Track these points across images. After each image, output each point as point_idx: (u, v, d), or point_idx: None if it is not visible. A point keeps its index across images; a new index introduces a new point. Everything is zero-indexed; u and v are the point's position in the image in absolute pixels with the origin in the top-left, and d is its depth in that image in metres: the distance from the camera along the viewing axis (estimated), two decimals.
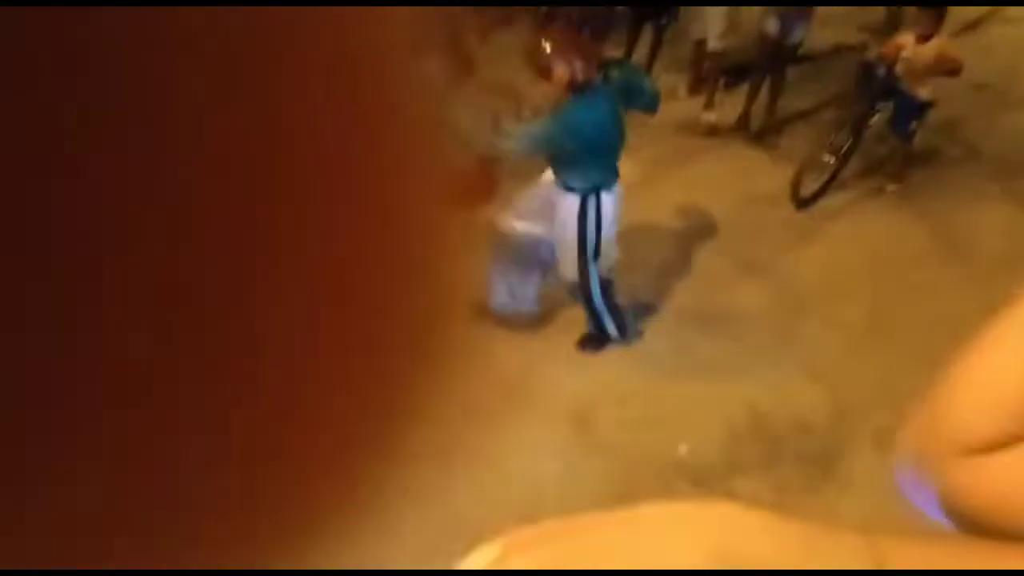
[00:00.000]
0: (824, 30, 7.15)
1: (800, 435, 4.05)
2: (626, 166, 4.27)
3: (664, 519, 0.48)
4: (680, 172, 6.03)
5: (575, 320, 4.51)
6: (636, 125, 6.34)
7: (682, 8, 6.98)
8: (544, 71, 3.61)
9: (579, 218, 3.91)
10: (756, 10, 6.48)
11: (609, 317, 4.34)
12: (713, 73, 6.81)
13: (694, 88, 7.06)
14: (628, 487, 3.73)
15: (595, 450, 3.95)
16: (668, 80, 6.95)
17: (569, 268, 4.07)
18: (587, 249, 4.02)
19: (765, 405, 4.17)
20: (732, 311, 4.85)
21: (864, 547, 0.49)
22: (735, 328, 4.70)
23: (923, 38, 5.50)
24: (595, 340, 4.46)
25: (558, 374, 4.27)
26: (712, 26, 6.62)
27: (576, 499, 3.64)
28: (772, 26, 6.25)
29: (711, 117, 6.73)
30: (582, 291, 4.17)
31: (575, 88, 3.68)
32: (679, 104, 6.83)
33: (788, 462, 3.94)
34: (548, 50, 3.60)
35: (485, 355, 0.23)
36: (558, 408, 4.08)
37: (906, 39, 5.62)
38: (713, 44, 6.68)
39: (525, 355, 4.21)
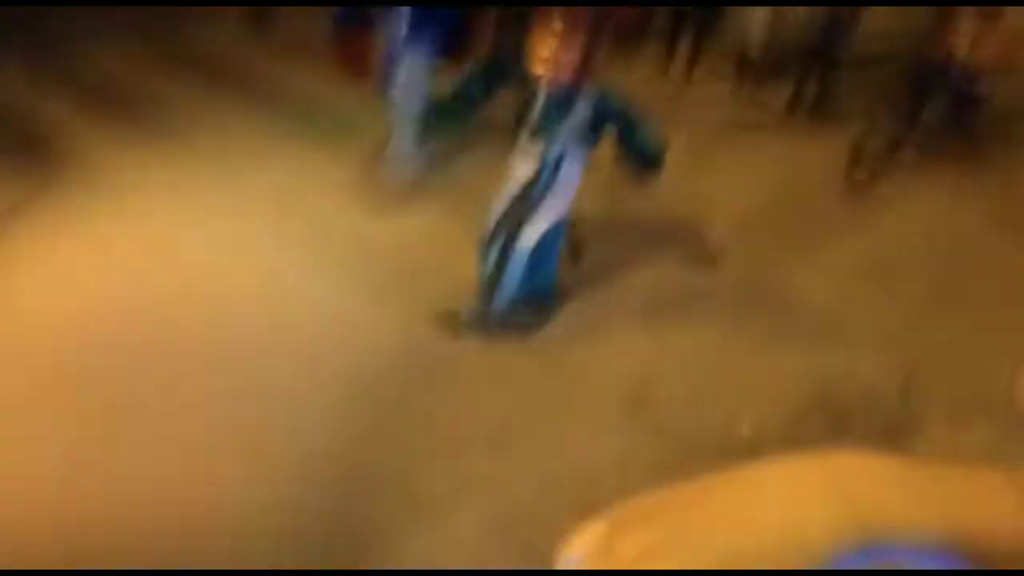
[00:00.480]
0: (878, 15, 6.96)
1: (868, 410, 3.88)
2: (680, 136, 4.10)
3: (785, 475, 0.45)
4: (731, 155, 5.92)
5: (632, 289, 4.35)
6: (686, 106, 6.28)
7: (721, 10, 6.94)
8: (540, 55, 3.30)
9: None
10: (800, 14, 6.41)
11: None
12: (755, 73, 6.79)
13: (737, 86, 6.97)
14: (689, 468, 3.55)
15: (653, 430, 3.78)
16: (714, 64, 6.96)
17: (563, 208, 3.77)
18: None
19: (830, 380, 4.01)
20: (790, 288, 4.70)
21: (1006, 481, 0.46)
22: (794, 305, 4.55)
23: (986, 18, 5.34)
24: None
25: (610, 353, 4.12)
26: (754, 34, 6.62)
27: (635, 481, 3.49)
28: (817, 18, 6.21)
29: (755, 111, 6.67)
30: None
31: (556, 87, 3.38)
32: (726, 88, 6.77)
33: (856, 438, 3.77)
34: (556, 31, 3.26)
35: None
36: (613, 388, 3.93)
37: (965, 26, 5.45)
38: (755, 51, 6.71)
39: (575, 332, 4.08)
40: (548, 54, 3.26)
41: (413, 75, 4.37)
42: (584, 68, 3.31)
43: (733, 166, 5.85)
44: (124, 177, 4.37)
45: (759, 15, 6.54)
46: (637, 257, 4.80)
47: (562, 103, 3.40)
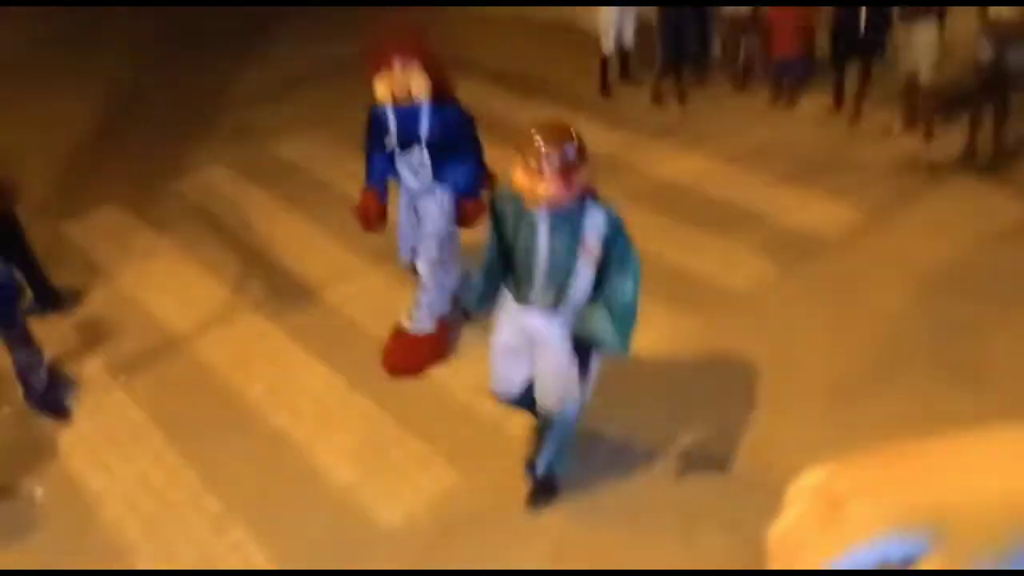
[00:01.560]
0: None
1: None
2: None
3: (1015, 443, 0.45)
4: (908, 215, 5.48)
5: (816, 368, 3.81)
6: (853, 167, 5.85)
7: (890, 40, 6.38)
8: (571, 169, 2.82)
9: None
10: (969, 38, 5.91)
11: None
12: (928, 105, 6.22)
13: (909, 123, 6.49)
14: None
15: None
16: (881, 117, 6.59)
17: (553, 398, 3.28)
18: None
19: None
20: (985, 360, 4.08)
21: None
22: (989, 379, 3.92)
23: None
24: (549, 489, 3.65)
25: (794, 436, 3.55)
26: (923, 57, 6.10)
27: None
28: (985, 51, 5.71)
29: (931, 153, 6.06)
30: (561, 424, 3.38)
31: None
32: (896, 142, 6.29)
33: None
34: (569, 139, 2.83)
35: None
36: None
37: None
38: (925, 76, 6.25)
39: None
40: (531, 188, 2.83)
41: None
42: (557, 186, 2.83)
43: (910, 224, 5.26)
44: None
45: (926, 37, 6.00)
46: (816, 336, 4.30)
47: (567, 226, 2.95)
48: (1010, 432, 0.47)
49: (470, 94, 4.59)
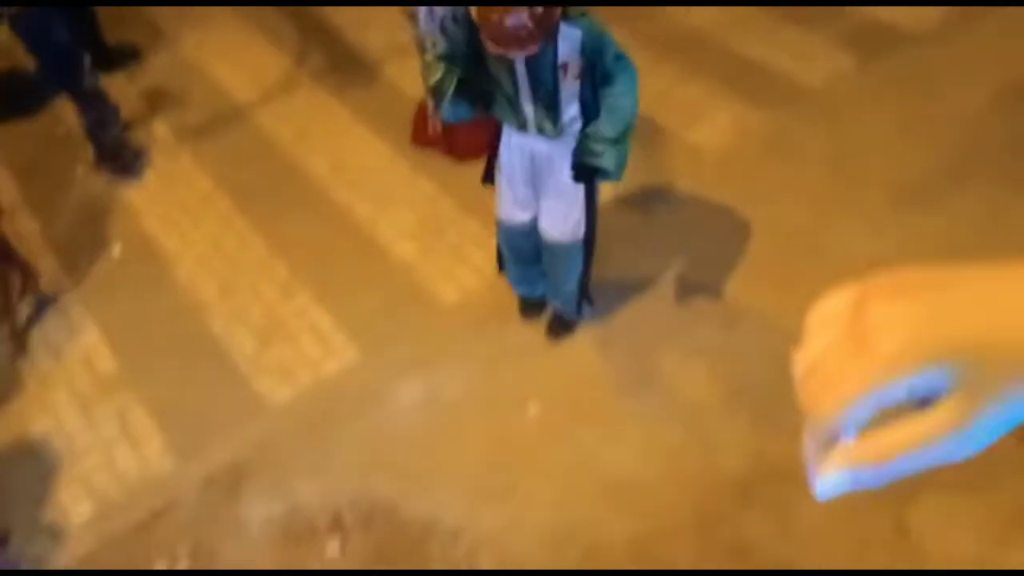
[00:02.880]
0: None
1: None
2: None
3: None
4: (1003, 13, 5.13)
5: None
6: None
7: None
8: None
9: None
10: None
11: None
12: None
13: None
14: None
15: None
16: None
17: (573, 224, 3.11)
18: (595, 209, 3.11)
19: None
20: None
21: None
22: None
23: None
24: (568, 324, 3.58)
25: None
26: None
27: None
28: None
29: None
30: (585, 263, 3.28)
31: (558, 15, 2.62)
32: None
33: None
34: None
35: None
36: None
37: None
38: None
39: None
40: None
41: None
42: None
43: (1006, 17, 4.98)
44: None
45: None
46: (886, 135, 4.11)
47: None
48: None
49: None
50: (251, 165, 4.49)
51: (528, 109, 2.83)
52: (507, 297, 3.69)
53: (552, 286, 3.43)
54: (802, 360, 0.48)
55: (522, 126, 2.90)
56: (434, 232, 4.03)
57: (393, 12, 5.38)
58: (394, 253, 3.96)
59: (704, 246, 3.85)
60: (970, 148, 4.22)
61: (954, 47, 4.81)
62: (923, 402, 0.45)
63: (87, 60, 4.24)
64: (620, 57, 2.72)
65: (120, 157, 4.44)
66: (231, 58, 5.22)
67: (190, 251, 4.08)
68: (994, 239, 3.68)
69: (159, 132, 4.74)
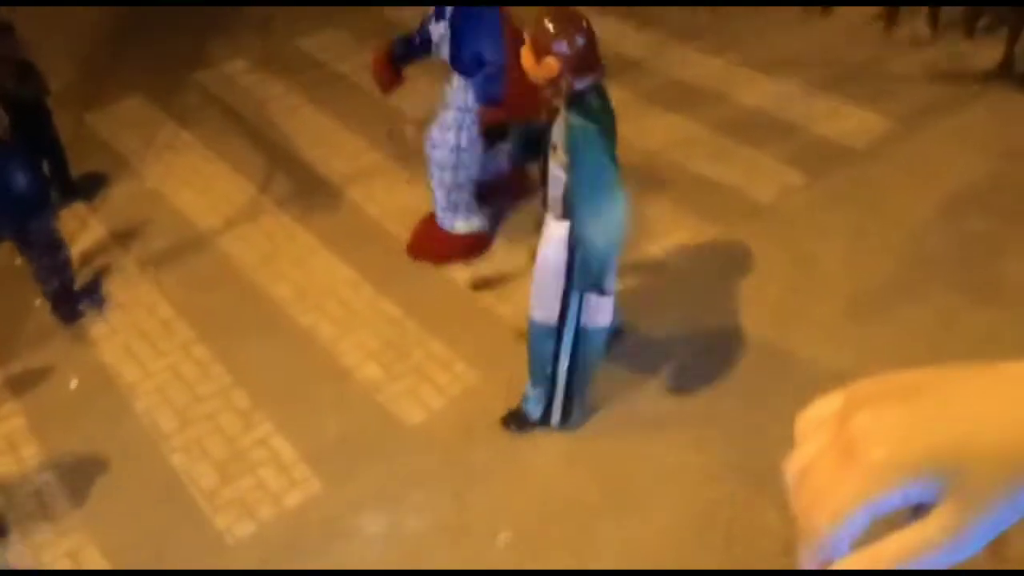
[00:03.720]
0: None
1: None
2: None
3: None
4: (940, 126, 5.35)
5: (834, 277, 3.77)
6: (887, 76, 5.66)
7: None
8: (540, 53, 2.78)
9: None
10: None
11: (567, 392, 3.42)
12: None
13: (936, 28, 6.19)
14: None
15: None
16: (911, 27, 6.30)
17: (545, 309, 3.18)
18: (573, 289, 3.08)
19: None
20: (1006, 277, 4.06)
21: None
22: (1008, 297, 3.95)
23: None
24: (521, 418, 3.57)
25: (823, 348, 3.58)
26: None
27: None
28: None
29: (967, 60, 6.01)
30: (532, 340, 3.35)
31: (569, 92, 2.80)
32: (927, 51, 6.02)
33: None
34: (551, 30, 2.77)
35: None
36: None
37: None
38: None
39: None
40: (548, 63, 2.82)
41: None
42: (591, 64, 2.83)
43: (941, 136, 5.14)
44: None
45: None
46: (838, 246, 4.32)
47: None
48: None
49: None
50: (213, 291, 4.47)
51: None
52: (473, 417, 3.65)
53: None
54: (792, 469, 0.48)
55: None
56: (399, 354, 4.01)
57: (357, 139, 5.52)
58: (358, 376, 3.92)
59: (670, 360, 3.86)
60: (921, 258, 4.34)
61: (898, 159, 5.01)
62: (917, 508, 0.45)
63: (51, 207, 4.24)
64: (600, 176, 2.78)
65: (68, 302, 4.38)
66: (195, 186, 5.27)
67: (149, 381, 4.00)
68: (948, 348, 3.74)
69: (120, 261, 4.72)
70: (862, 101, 5.49)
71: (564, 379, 3.32)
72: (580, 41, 2.76)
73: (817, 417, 0.48)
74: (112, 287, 4.53)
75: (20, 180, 3.92)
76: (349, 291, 4.38)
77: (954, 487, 0.43)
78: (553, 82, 2.78)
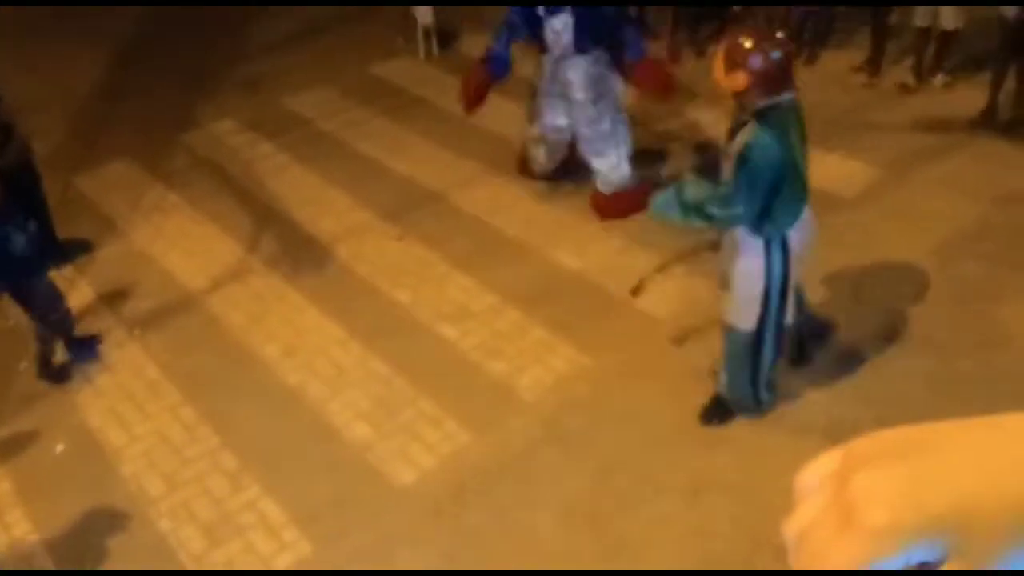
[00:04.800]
0: None
1: None
2: None
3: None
4: (926, 174, 5.49)
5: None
6: (872, 125, 5.81)
7: None
8: (732, 65, 3.07)
9: (766, 265, 3.33)
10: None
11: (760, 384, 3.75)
12: (950, 49, 6.33)
13: (921, 77, 6.39)
14: None
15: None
16: (897, 74, 6.53)
17: (745, 318, 3.47)
18: (771, 302, 3.40)
19: None
20: (1001, 323, 4.14)
21: None
22: (1002, 341, 4.13)
23: None
24: (724, 411, 3.87)
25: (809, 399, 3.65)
26: (945, 10, 6.10)
27: None
28: (1010, 11, 5.64)
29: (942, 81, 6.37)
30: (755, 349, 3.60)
31: (761, 101, 3.08)
32: (913, 100, 6.20)
33: None
34: (746, 44, 3.03)
35: None
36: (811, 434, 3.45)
37: None
38: (947, 24, 6.16)
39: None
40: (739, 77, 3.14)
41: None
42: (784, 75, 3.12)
43: (928, 184, 5.27)
44: None
45: None
46: (829, 294, 4.46)
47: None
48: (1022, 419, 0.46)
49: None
50: (201, 352, 4.51)
51: None
52: (465, 476, 3.68)
53: None
54: (791, 531, 0.48)
55: None
56: (388, 413, 4.04)
57: (346, 196, 5.62)
58: (347, 436, 3.95)
59: (662, 412, 3.90)
60: (911, 304, 4.42)
61: (887, 207, 5.12)
62: (921, 569, 0.44)
63: (46, 265, 4.32)
64: (749, 178, 3.08)
65: (51, 368, 4.42)
66: (183, 247, 5.35)
67: (136, 445, 4.02)
68: (945, 394, 3.80)
69: (108, 322, 4.77)
70: (849, 150, 5.63)
71: (766, 373, 3.64)
72: (773, 60, 3.02)
73: (816, 476, 0.48)
74: (99, 350, 4.58)
75: (18, 242, 4.01)
76: (338, 350, 4.44)
77: (960, 549, 0.43)
78: (740, 95, 3.06)
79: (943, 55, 6.38)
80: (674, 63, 7.13)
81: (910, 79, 6.44)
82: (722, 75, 3.09)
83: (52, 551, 3.59)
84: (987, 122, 5.92)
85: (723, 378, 3.76)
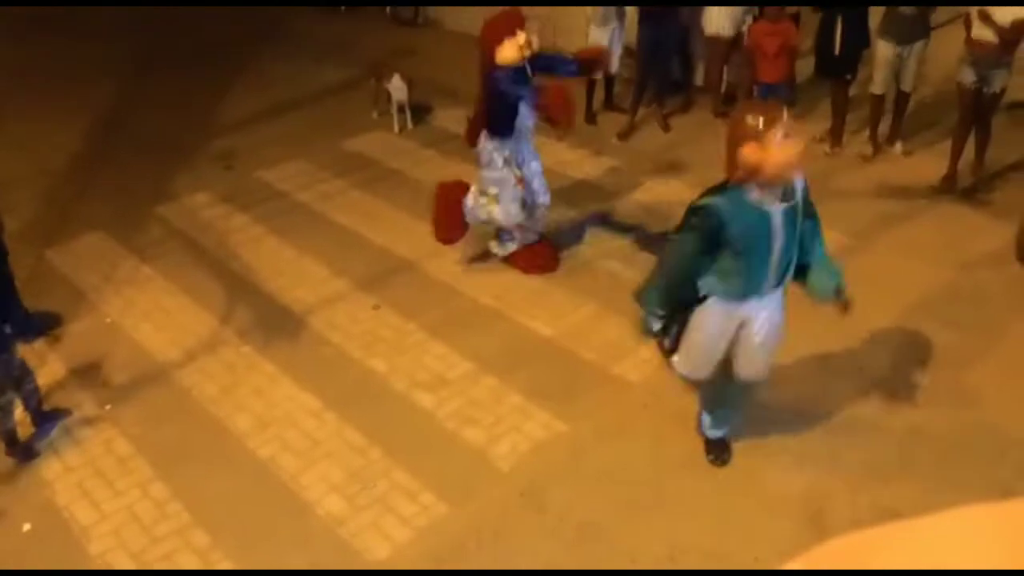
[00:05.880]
0: None
1: None
2: None
3: (975, 523, 0.47)
4: (891, 239, 5.65)
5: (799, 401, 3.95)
6: (835, 193, 6.02)
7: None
8: (743, 141, 3.16)
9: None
10: (951, 62, 6.15)
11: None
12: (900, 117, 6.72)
13: (878, 147, 6.69)
14: None
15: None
16: (858, 144, 6.81)
17: (762, 366, 3.76)
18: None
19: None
20: (966, 386, 4.25)
21: None
22: (973, 405, 4.22)
23: None
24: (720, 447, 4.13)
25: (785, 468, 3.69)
26: (909, 71, 6.39)
27: None
28: (967, 76, 5.92)
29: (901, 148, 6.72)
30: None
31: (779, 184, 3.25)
32: (874, 168, 6.47)
33: None
34: (759, 125, 3.10)
35: None
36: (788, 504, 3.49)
37: None
38: (905, 86, 6.49)
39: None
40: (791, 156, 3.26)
41: None
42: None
43: (893, 250, 5.43)
44: None
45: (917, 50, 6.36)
46: (795, 359, 4.53)
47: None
48: (972, 512, 0.48)
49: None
50: (172, 425, 4.49)
51: (773, 268, 3.43)
52: (441, 550, 3.67)
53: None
54: None
55: (757, 291, 3.48)
56: (362, 485, 4.04)
57: (320, 267, 5.68)
58: (320, 510, 3.93)
59: (638, 473, 3.93)
60: (880, 368, 4.51)
61: (852, 273, 5.16)
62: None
63: (10, 342, 4.31)
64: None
65: (22, 443, 4.39)
66: (155, 319, 5.36)
67: (105, 523, 3.97)
68: (917, 459, 3.87)
69: (78, 397, 4.75)
70: None
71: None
72: None
73: None
74: (69, 424, 4.55)
75: None
76: (311, 420, 4.44)
77: None
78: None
79: (900, 122, 6.64)
80: (629, 133, 7.33)
81: (868, 149, 6.68)
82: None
83: None
84: (948, 188, 6.13)
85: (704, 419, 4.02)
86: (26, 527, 3.99)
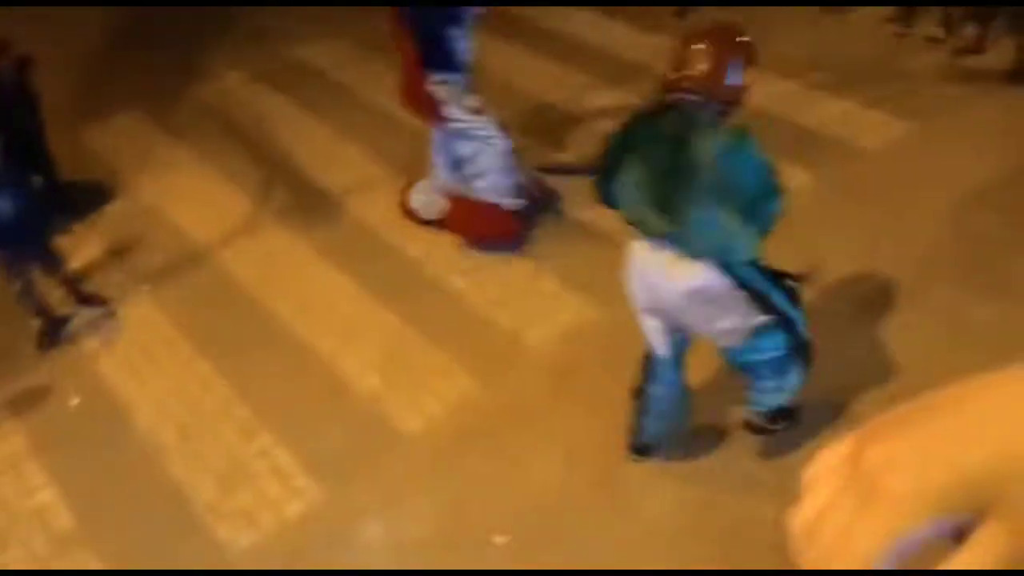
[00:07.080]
0: None
1: None
2: None
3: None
4: (951, 126, 5.50)
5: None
6: (900, 76, 5.80)
7: None
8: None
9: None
10: None
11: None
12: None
13: (951, 29, 6.36)
14: None
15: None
16: (924, 28, 6.48)
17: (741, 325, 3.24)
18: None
19: None
20: (1015, 275, 4.21)
21: None
22: (1018, 294, 4.16)
23: None
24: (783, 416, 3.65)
25: None
26: None
27: None
28: None
29: (981, 60, 6.16)
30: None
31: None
32: (940, 51, 6.26)
33: None
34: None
35: None
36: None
37: None
38: None
39: None
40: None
41: None
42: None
43: (953, 135, 5.27)
44: None
45: None
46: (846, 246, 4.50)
47: None
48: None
49: None
50: (213, 307, 4.66)
51: None
52: (471, 424, 3.82)
53: None
54: (801, 520, 0.45)
55: None
56: (398, 364, 4.18)
57: (357, 149, 5.72)
58: (358, 387, 4.10)
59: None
60: (929, 256, 4.48)
61: (910, 158, 5.16)
62: (954, 535, 0.42)
63: (44, 230, 4.46)
64: None
65: (55, 327, 4.59)
66: (192, 201, 5.48)
67: (150, 397, 4.20)
68: (959, 346, 3.87)
69: (118, 278, 4.93)
70: (874, 101, 5.65)
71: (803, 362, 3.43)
72: None
73: (827, 464, 0.45)
74: (110, 306, 4.74)
75: (7, 209, 4.16)
76: (348, 303, 4.57)
77: (996, 510, 0.40)
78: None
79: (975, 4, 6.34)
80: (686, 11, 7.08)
81: (939, 31, 6.42)
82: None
83: (66, 501, 3.77)
84: (1014, 75, 5.90)
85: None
86: (74, 401, 4.23)
